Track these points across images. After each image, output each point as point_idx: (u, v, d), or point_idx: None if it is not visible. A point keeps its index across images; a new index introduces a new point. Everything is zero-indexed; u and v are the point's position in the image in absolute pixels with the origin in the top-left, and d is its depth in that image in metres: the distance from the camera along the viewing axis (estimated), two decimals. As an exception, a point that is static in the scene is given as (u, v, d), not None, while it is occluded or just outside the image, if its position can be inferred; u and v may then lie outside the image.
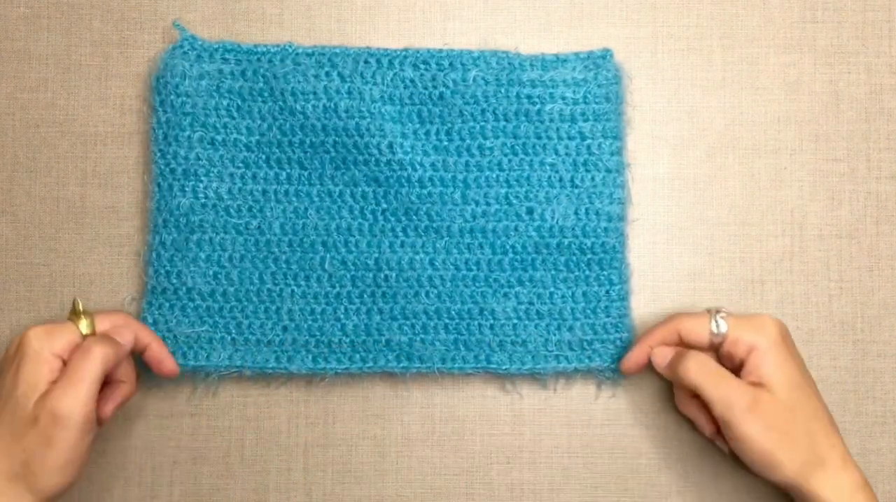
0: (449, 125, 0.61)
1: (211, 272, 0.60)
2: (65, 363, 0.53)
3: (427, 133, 0.61)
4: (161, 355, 0.58)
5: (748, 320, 0.56)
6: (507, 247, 0.61)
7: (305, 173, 0.61)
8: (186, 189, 0.60)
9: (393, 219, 0.61)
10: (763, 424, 0.54)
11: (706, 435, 0.58)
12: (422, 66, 0.61)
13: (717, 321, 0.56)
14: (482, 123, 0.61)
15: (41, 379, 0.52)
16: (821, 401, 0.56)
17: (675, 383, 0.58)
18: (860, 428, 0.62)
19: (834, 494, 0.53)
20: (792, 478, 0.54)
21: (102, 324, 0.56)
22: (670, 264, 0.63)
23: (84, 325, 0.55)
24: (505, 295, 0.61)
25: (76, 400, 0.51)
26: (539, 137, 0.61)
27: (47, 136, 0.63)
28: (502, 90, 0.60)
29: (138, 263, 0.62)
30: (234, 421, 0.62)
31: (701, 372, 0.55)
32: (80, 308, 0.55)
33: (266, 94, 0.61)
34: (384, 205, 0.61)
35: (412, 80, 0.60)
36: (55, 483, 0.51)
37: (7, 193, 0.63)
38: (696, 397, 0.57)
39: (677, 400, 0.60)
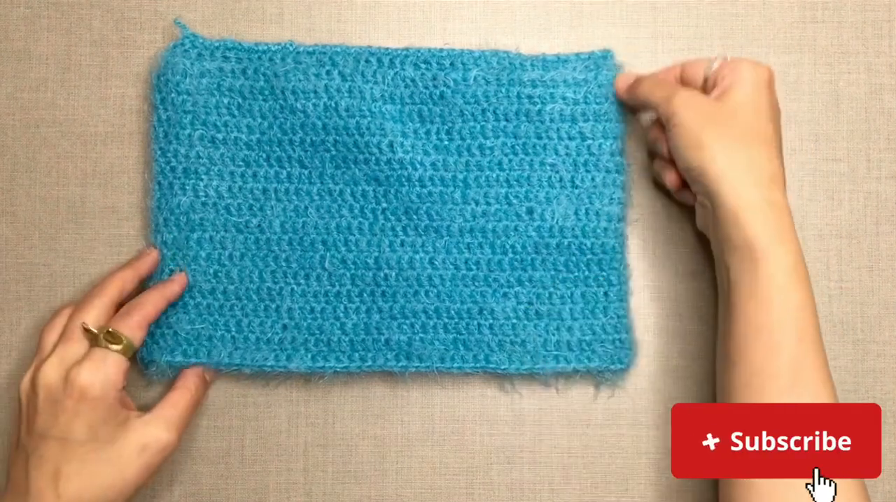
0: (449, 125, 0.61)
1: (211, 270, 0.60)
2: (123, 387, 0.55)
3: (427, 132, 0.61)
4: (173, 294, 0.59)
5: (741, 59, 0.56)
6: (507, 247, 0.61)
7: (306, 172, 0.61)
8: (187, 187, 0.60)
9: (393, 218, 0.61)
10: (697, 110, 0.54)
11: (672, 187, 0.59)
12: (422, 66, 0.61)
13: (714, 62, 0.57)
14: (482, 123, 0.61)
15: (116, 415, 0.54)
16: (777, 134, 0.56)
17: (633, 103, 0.60)
18: (861, 429, 0.62)
19: (742, 200, 0.52)
20: (711, 165, 0.53)
21: (126, 326, 0.55)
22: (670, 264, 0.63)
23: (124, 348, 0.54)
24: (505, 295, 0.61)
25: (176, 434, 0.55)
26: (539, 137, 0.61)
27: (47, 136, 0.63)
28: (503, 90, 0.60)
29: (138, 263, 0.62)
30: (233, 420, 0.62)
31: (650, 82, 0.58)
32: (96, 330, 0.54)
33: (267, 93, 0.61)
34: (384, 205, 0.61)
35: (413, 80, 0.60)
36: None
37: (7, 193, 0.63)
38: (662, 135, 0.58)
39: (649, 139, 0.61)
